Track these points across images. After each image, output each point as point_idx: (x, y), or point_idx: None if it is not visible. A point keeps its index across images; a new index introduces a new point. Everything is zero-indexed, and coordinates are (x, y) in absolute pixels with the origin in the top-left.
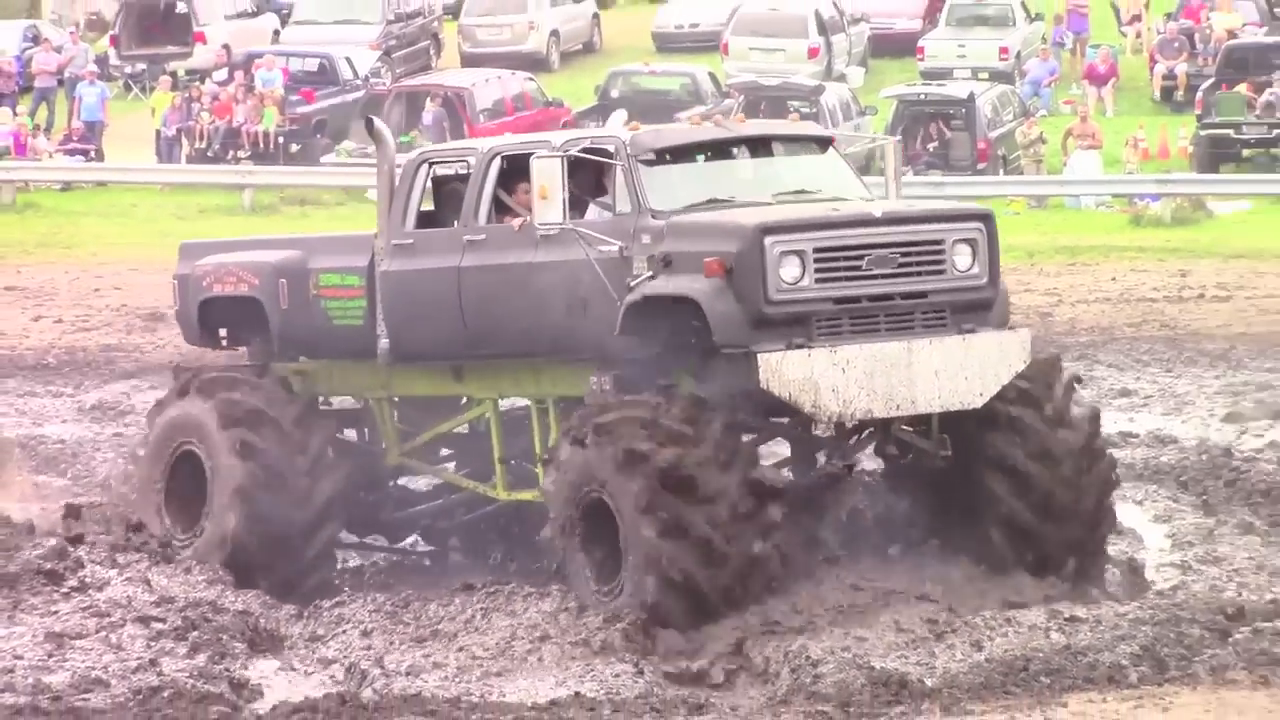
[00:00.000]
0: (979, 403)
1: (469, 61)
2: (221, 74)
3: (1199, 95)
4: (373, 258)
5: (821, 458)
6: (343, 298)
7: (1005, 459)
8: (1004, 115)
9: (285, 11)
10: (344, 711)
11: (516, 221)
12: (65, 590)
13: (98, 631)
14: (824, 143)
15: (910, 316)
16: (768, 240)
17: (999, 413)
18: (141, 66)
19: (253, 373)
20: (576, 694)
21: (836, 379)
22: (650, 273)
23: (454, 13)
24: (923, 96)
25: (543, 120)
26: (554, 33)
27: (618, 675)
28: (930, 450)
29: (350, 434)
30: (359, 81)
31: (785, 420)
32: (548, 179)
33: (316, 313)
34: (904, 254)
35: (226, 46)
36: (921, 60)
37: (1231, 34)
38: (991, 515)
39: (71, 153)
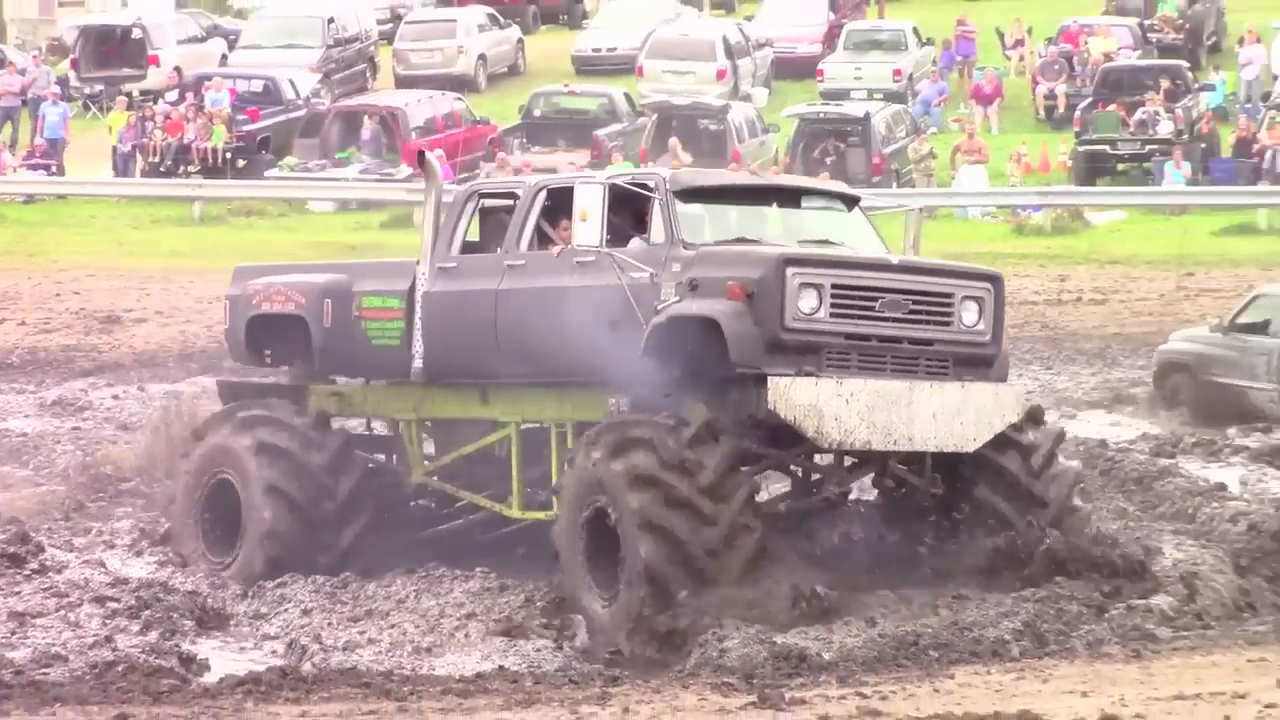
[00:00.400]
0: (972, 447)
1: (402, 83)
2: (173, 95)
3: (1077, 114)
4: (413, 282)
5: (819, 486)
6: (382, 319)
7: (991, 504)
8: (897, 132)
9: (232, 37)
10: (285, 684)
11: (555, 249)
12: (27, 572)
13: (57, 610)
14: (851, 201)
15: (915, 361)
16: (789, 270)
17: (988, 460)
18: (99, 88)
19: (290, 399)
20: (500, 667)
21: (840, 409)
22: (677, 297)
23: (389, 38)
24: (822, 115)
25: (471, 137)
26: (481, 56)
27: (538, 650)
28: (923, 487)
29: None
30: (301, 101)
31: (789, 450)
32: (589, 203)
33: (357, 333)
34: (915, 302)
35: (178, 69)
36: (821, 82)
37: (1107, 57)
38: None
39: (34, 168)
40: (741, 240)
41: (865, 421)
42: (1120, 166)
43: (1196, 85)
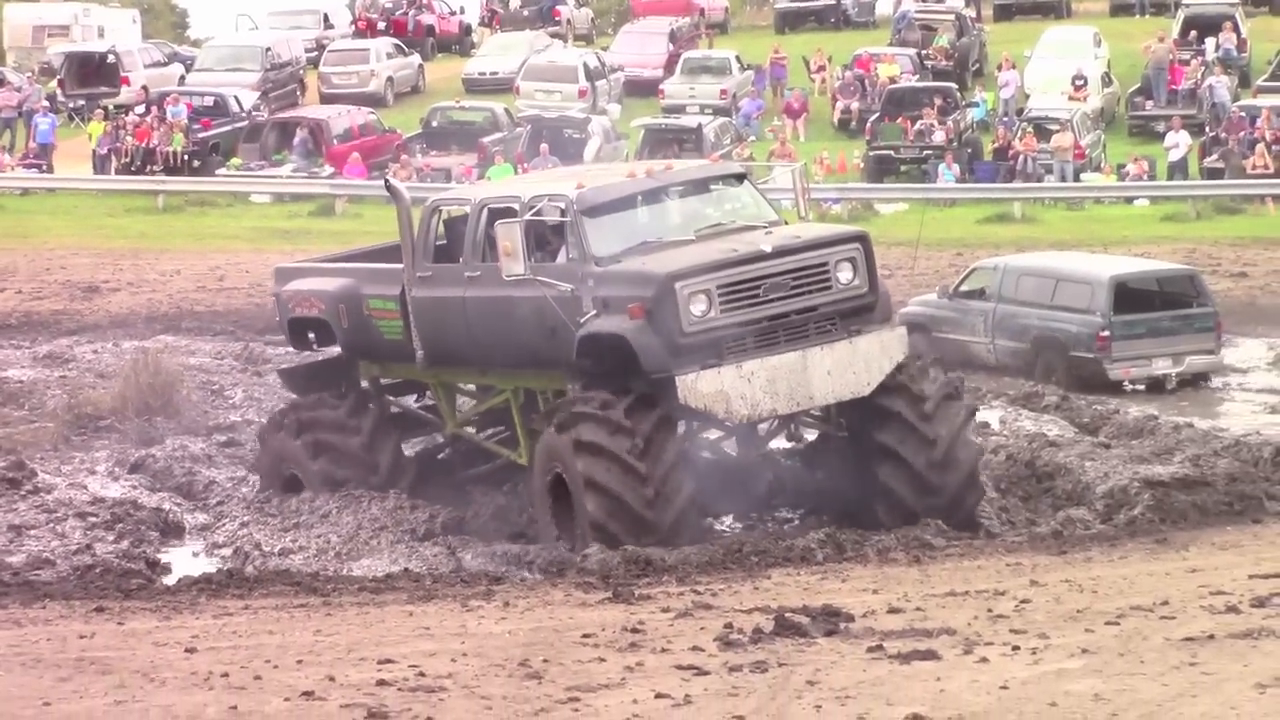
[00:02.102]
0: (868, 390)
1: (326, 100)
2: (141, 108)
3: (868, 126)
4: (403, 287)
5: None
6: (387, 318)
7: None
8: (724, 140)
9: (189, 62)
10: (231, 583)
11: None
12: (22, 493)
13: (46, 524)
14: (740, 177)
15: (805, 328)
16: (678, 285)
17: (882, 406)
18: (81, 102)
19: (340, 374)
20: (405, 570)
21: (744, 389)
22: (594, 311)
23: (315, 63)
24: (663, 126)
25: (381, 144)
26: (389, 79)
27: (436, 555)
28: (830, 431)
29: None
30: (244, 114)
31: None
32: (510, 239)
33: (371, 329)
34: (795, 278)
35: (145, 87)
36: (662, 99)
37: (892, 80)
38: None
39: (29, 167)
40: (644, 244)
41: (768, 394)
42: (903, 167)
43: (964, 103)
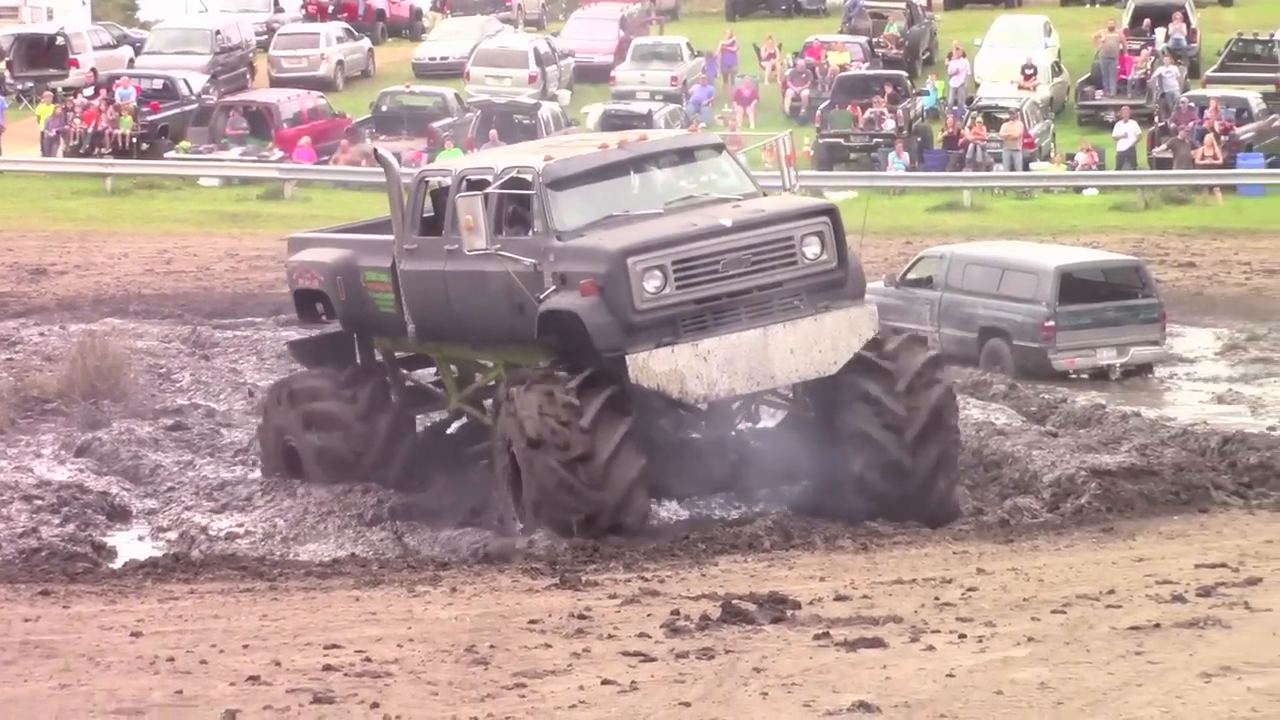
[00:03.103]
0: (834, 370)
1: (275, 83)
2: (90, 90)
3: (818, 113)
4: (393, 259)
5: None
6: (381, 291)
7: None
8: (674, 126)
9: (139, 44)
10: (177, 567)
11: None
12: None
13: None
14: (718, 148)
15: (768, 304)
16: (630, 261)
17: (854, 384)
18: (30, 84)
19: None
20: (352, 555)
21: (700, 368)
22: (554, 287)
23: (265, 46)
24: (613, 112)
25: (330, 128)
26: (339, 62)
27: (383, 540)
28: (798, 412)
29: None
30: (193, 97)
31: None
32: (471, 212)
33: (367, 301)
34: (756, 254)
35: (94, 70)
36: (613, 85)
37: (843, 68)
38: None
39: None
40: (609, 218)
41: (726, 373)
42: (853, 155)
43: (914, 91)
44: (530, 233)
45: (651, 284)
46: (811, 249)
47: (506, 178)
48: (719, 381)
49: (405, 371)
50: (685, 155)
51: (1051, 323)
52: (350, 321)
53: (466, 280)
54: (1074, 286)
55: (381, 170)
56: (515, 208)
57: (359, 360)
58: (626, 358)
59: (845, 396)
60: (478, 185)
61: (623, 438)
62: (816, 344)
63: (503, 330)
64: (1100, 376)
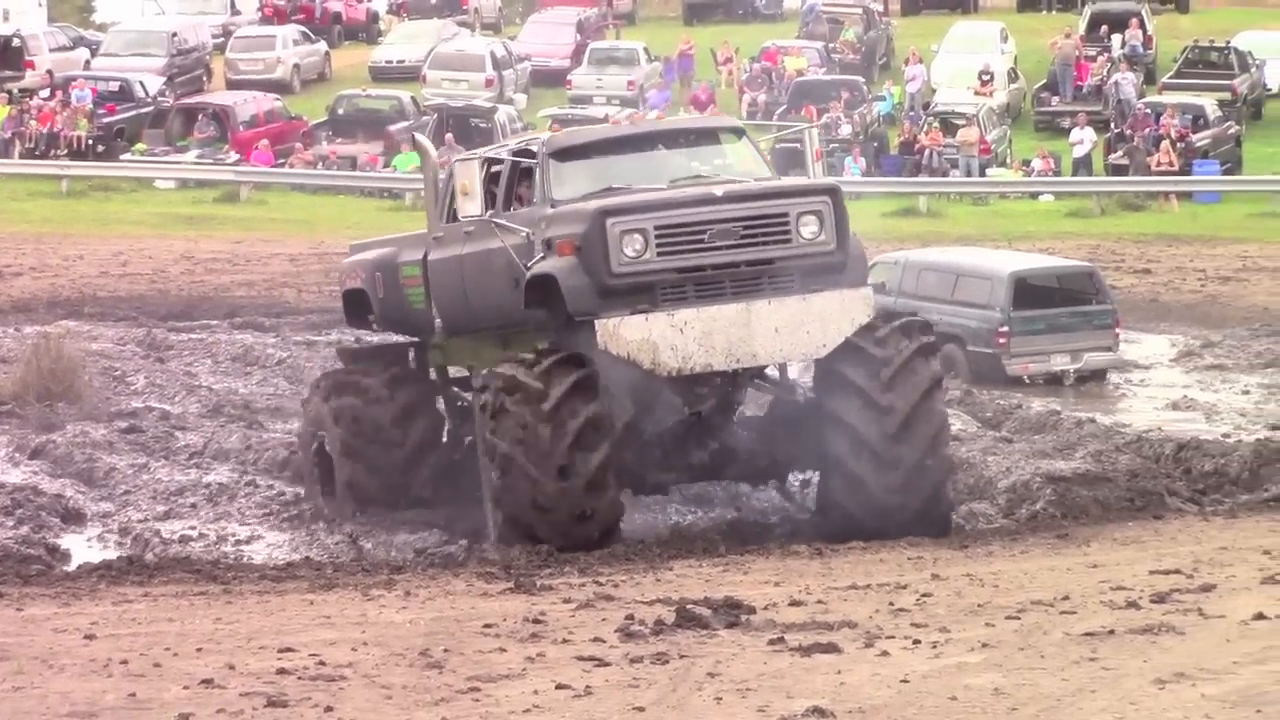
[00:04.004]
0: (821, 354)
1: (232, 85)
2: (46, 92)
3: (775, 118)
4: (425, 251)
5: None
6: (414, 286)
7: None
8: None
9: (95, 46)
10: (131, 570)
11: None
12: None
13: None
14: (738, 132)
15: (757, 281)
16: (609, 221)
17: (839, 372)
18: None
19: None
20: (306, 558)
21: (675, 339)
22: (541, 254)
23: (221, 49)
24: (570, 117)
25: (286, 130)
26: (296, 65)
27: (338, 543)
28: (783, 395)
29: None
30: (150, 99)
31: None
32: (468, 177)
33: (402, 299)
34: (747, 227)
35: (50, 71)
36: (570, 90)
37: (799, 73)
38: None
39: None
40: (609, 190)
41: (703, 347)
42: None
43: (870, 96)
44: (531, 204)
45: (631, 248)
46: (809, 228)
47: (516, 148)
48: (694, 355)
49: (457, 390)
50: (701, 137)
51: (1005, 329)
52: (388, 321)
53: (477, 261)
54: (1028, 292)
55: (336, 174)
56: (525, 183)
57: (411, 366)
58: (595, 323)
59: (832, 383)
60: (495, 162)
61: (587, 423)
62: (804, 324)
63: (507, 312)
64: (1054, 382)
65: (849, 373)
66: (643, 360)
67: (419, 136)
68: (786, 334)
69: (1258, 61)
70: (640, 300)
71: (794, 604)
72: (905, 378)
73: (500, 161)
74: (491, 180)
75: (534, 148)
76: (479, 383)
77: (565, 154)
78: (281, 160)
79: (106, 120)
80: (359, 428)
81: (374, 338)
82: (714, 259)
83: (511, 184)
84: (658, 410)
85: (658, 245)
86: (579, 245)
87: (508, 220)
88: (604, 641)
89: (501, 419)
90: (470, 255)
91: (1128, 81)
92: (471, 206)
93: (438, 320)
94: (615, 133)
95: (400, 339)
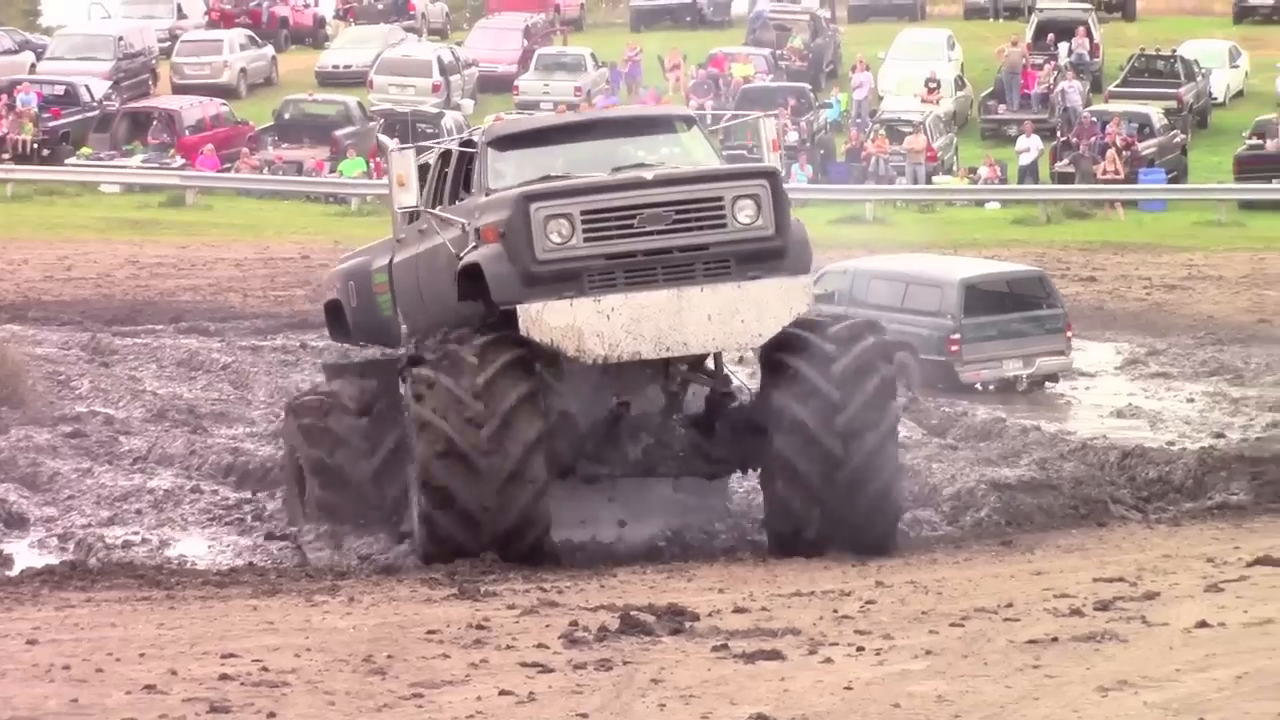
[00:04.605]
0: (757, 343)
1: (178, 90)
2: None
3: (722, 124)
4: (391, 255)
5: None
6: (384, 293)
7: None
8: None
9: (40, 50)
10: (75, 575)
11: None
12: None
13: None
14: (688, 121)
15: (690, 267)
16: (532, 207)
17: (783, 362)
18: None
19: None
20: (250, 564)
21: (601, 325)
22: (474, 244)
23: (168, 53)
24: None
25: (233, 135)
26: (242, 70)
27: (281, 549)
28: (716, 386)
29: None
30: (95, 103)
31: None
32: (403, 168)
33: (374, 308)
34: (679, 211)
35: None
36: (517, 95)
37: (746, 80)
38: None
39: None
40: (546, 179)
41: (630, 334)
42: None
43: (817, 103)
44: (470, 195)
45: (556, 234)
46: (745, 213)
47: (459, 139)
48: (621, 342)
49: None
50: (648, 125)
51: (957, 336)
52: (361, 331)
53: (427, 259)
54: (978, 299)
55: (282, 179)
56: (470, 175)
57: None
58: (518, 308)
59: (778, 377)
60: (446, 155)
61: (519, 402)
62: (739, 312)
63: (449, 309)
64: (1007, 389)
65: (801, 368)
66: (567, 347)
67: (381, 137)
68: (720, 322)
69: (1203, 70)
70: (567, 289)
71: (738, 611)
72: (860, 374)
73: (450, 155)
74: (442, 174)
75: (476, 138)
76: (407, 358)
77: (504, 143)
78: (227, 165)
79: (52, 124)
80: (327, 443)
81: (361, 352)
82: (644, 244)
83: (458, 176)
84: (588, 400)
85: (584, 231)
86: (503, 232)
87: (452, 213)
88: (548, 648)
89: (433, 392)
90: (423, 253)
91: (1074, 90)
92: (407, 198)
93: (403, 327)
94: (556, 121)
95: (386, 352)
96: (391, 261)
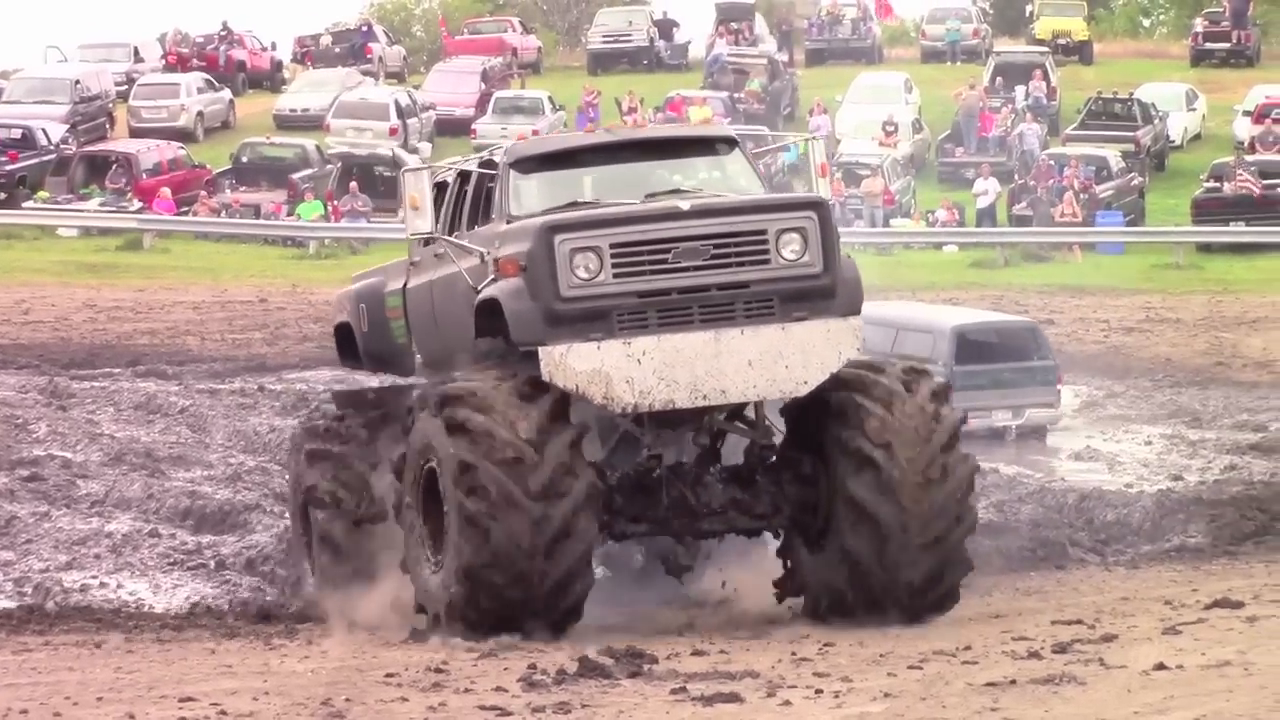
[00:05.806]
0: (803, 391)
1: (135, 133)
2: None
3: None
4: (405, 279)
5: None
6: (398, 318)
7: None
8: None
9: None
10: (32, 619)
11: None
12: None
13: None
14: (730, 142)
15: (730, 307)
16: (557, 239)
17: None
18: None
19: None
20: (208, 607)
21: (631, 370)
22: (493, 276)
23: (125, 96)
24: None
25: (190, 178)
26: (199, 113)
27: (238, 588)
28: (756, 438)
29: None
30: (52, 147)
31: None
32: (417, 190)
33: (387, 332)
34: (718, 245)
35: None
36: (474, 139)
37: (704, 122)
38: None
39: None
40: (574, 205)
41: (664, 380)
42: None
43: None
44: (490, 221)
45: (583, 269)
46: (791, 248)
47: (480, 159)
48: (654, 389)
49: None
50: (685, 147)
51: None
52: (372, 357)
53: (443, 287)
54: (970, 347)
55: (240, 222)
56: (488, 198)
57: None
58: (540, 350)
59: (824, 419)
60: (465, 175)
61: (565, 447)
62: (782, 358)
63: (465, 340)
64: (995, 438)
65: (856, 440)
66: (594, 394)
67: (397, 149)
68: (762, 368)
69: (1161, 113)
70: (594, 329)
71: (696, 653)
72: (926, 422)
73: (469, 175)
74: (460, 195)
75: (497, 158)
76: (435, 395)
77: (527, 164)
78: (185, 208)
79: (8, 168)
80: (330, 468)
81: (374, 379)
82: (679, 282)
83: (477, 199)
84: (617, 452)
85: (614, 266)
86: (524, 265)
87: (469, 240)
88: (506, 691)
89: (476, 433)
90: (439, 280)
91: (1032, 133)
92: (421, 223)
93: (417, 355)
94: (584, 141)
95: (400, 380)
96: (405, 286)
